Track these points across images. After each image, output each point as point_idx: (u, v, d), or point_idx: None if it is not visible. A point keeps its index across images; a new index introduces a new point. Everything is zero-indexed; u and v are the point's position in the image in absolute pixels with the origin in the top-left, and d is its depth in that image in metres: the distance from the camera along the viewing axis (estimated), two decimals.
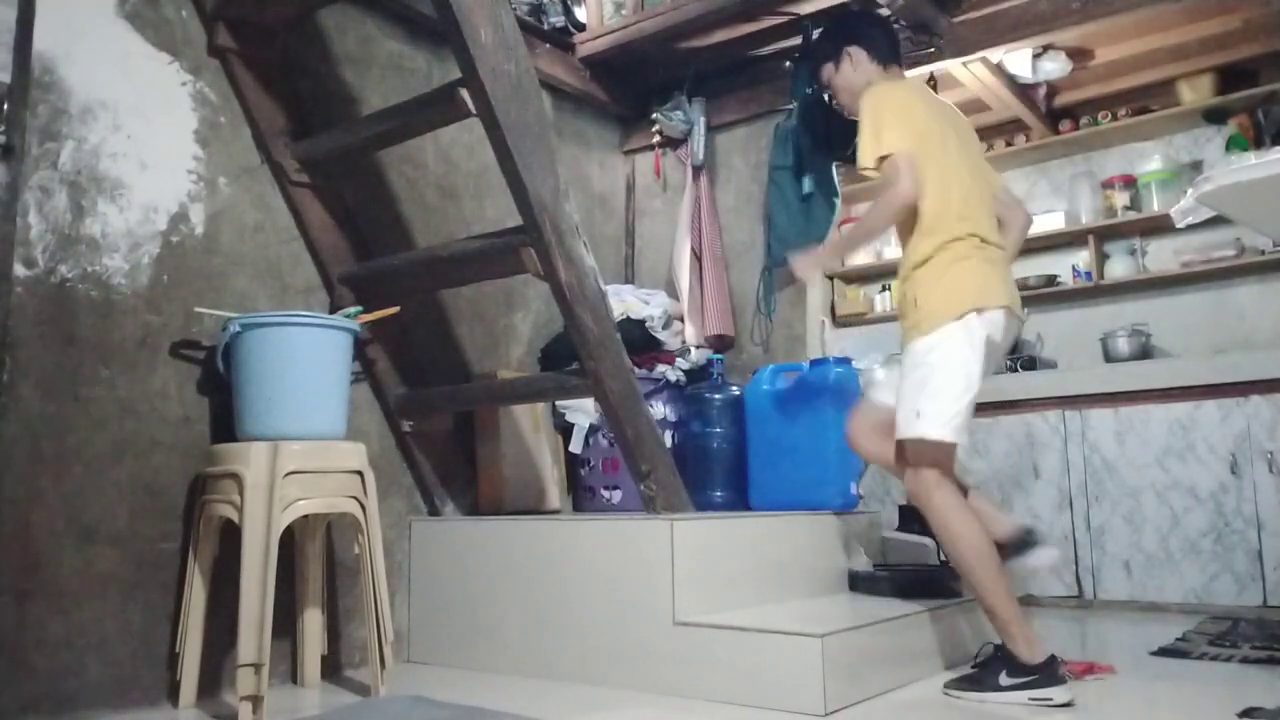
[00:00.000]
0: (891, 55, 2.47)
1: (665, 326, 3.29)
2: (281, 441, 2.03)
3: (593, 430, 3.12)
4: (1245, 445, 3.37)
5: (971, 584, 2.11)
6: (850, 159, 3.26)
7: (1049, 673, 2.00)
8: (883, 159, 2.19)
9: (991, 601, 2.07)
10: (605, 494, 3.10)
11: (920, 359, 2.14)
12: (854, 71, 2.44)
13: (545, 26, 3.42)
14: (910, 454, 2.16)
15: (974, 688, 2.07)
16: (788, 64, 3.41)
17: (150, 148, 2.25)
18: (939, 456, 2.13)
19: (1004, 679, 2.03)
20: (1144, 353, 3.97)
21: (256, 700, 1.91)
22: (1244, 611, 3.25)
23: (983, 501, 2.34)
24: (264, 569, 1.94)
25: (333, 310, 2.52)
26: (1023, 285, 4.34)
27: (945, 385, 2.10)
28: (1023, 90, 4.08)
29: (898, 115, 2.22)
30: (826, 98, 3.22)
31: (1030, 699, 1.99)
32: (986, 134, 4.53)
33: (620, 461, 2.90)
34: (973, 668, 2.14)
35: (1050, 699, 1.98)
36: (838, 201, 3.29)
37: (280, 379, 2.09)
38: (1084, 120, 4.27)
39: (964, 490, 2.27)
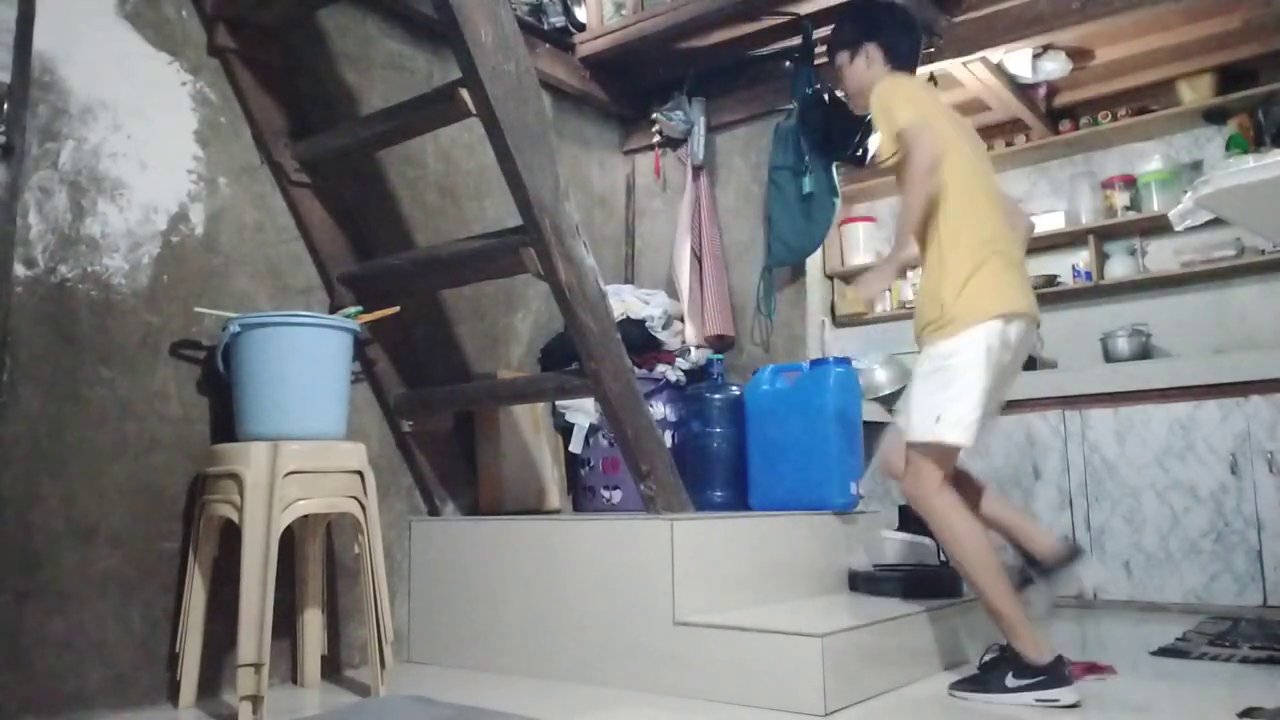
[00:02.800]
0: (908, 61, 2.43)
1: (665, 326, 3.29)
2: (281, 441, 2.03)
3: (593, 430, 3.12)
4: (1245, 445, 3.37)
5: (974, 586, 2.11)
6: (850, 159, 3.27)
7: (1056, 673, 1.99)
8: (898, 137, 2.15)
9: (995, 603, 2.06)
10: (605, 494, 3.10)
11: (942, 362, 2.12)
12: (866, 69, 2.40)
13: (545, 26, 3.42)
14: (918, 456, 2.14)
15: (980, 689, 2.06)
16: (788, 64, 3.41)
17: (150, 148, 2.25)
18: (945, 460, 2.13)
19: (1010, 680, 2.02)
20: (1144, 353, 3.97)
21: (256, 700, 1.91)
22: (1244, 611, 3.25)
23: (1021, 518, 2.32)
24: (264, 569, 1.94)
25: (333, 310, 2.52)
26: None
27: (967, 390, 2.08)
28: (1023, 90, 4.08)
29: (909, 100, 2.21)
30: (827, 97, 3.22)
31: (1037, 700, 1.98)
32: (986, 134, 4.53)
33: (620, 461, 2.90)
34: (979, 669, 2.13)
35: (1058, 700, 1.96)
36: (838, 201, 3.29)
37: (280, 379, 2.09)
38: (1084, 120, 4.27)
39: (978, 495, 2.26)
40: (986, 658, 2.15)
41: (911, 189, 2.12)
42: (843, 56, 2.46)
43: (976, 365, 2.09)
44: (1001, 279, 2.14)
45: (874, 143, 2.19)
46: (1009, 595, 2.07)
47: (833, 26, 2.54)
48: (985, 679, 2.07)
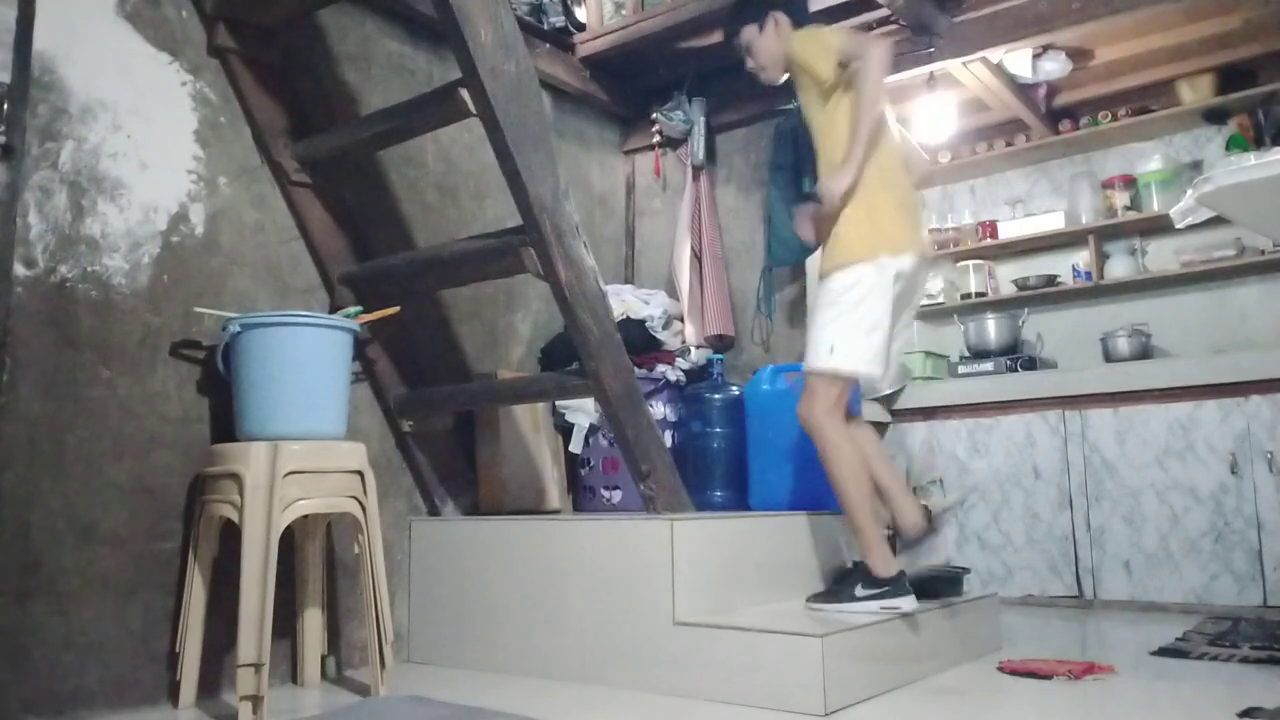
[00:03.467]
0: (807, 17, 2.60)
1: (665, 326, 3.29)
2: (281, 441, 2.03)
3: (593, 430, 3.12)
4: (1245, 445, 3.37)
5: (843, 502, 2.31)
6: None
7: (898, 585, 2.24)
8: (840, 64, 2.32)
9: (857, 520, 2.28)
10: (605, 494, 3.10)
11: (835, 296, 2.30)
12: (777, 36, 2.51)
13: (545, 26, 3.42)
14: (812, 382, 2.33)
15: (833, 599, 2.29)
16: None
17: (150, 148, 2.25)
18: (836, 387, 2.31)
19: (859, 591, 2.25)
20: (1144, 353, 3.97)
21: (256, 700, 1.91)
22: (1244, 611, 3.25)
23: (900, 487, 2.47)
24: (264, 569, 1.94)
25: (333, 310, 2.52)
26: (1023, 285, 4.36)
27: (858, 323, 2.27)
28: (1023, 90, 4.08)
29: (827, 29, 2.44)
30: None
31: (881, 608, 2.22)
32: (987, 134, 4.53)
33: (620, 461, 2.90)
34: (833, 583, 2.32)
35: (898, 608, 2.22)
36: None
37: (280, 379, 2.09)
38: (1084, 120, 4.26)
39: (871, 451, 2.43)
40: (838, 574, 2.36)
41: (871, 88, 2.26)
42: (751, 30, 2.55)
43: (868, 299, 2.27)
44: (894, 219, 2.31)
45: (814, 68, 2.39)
46: (870, 516, 2.29)
47: (733, 7, 2.68)
48: (838, 591, 2.31)
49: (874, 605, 2.22)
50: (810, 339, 2.36)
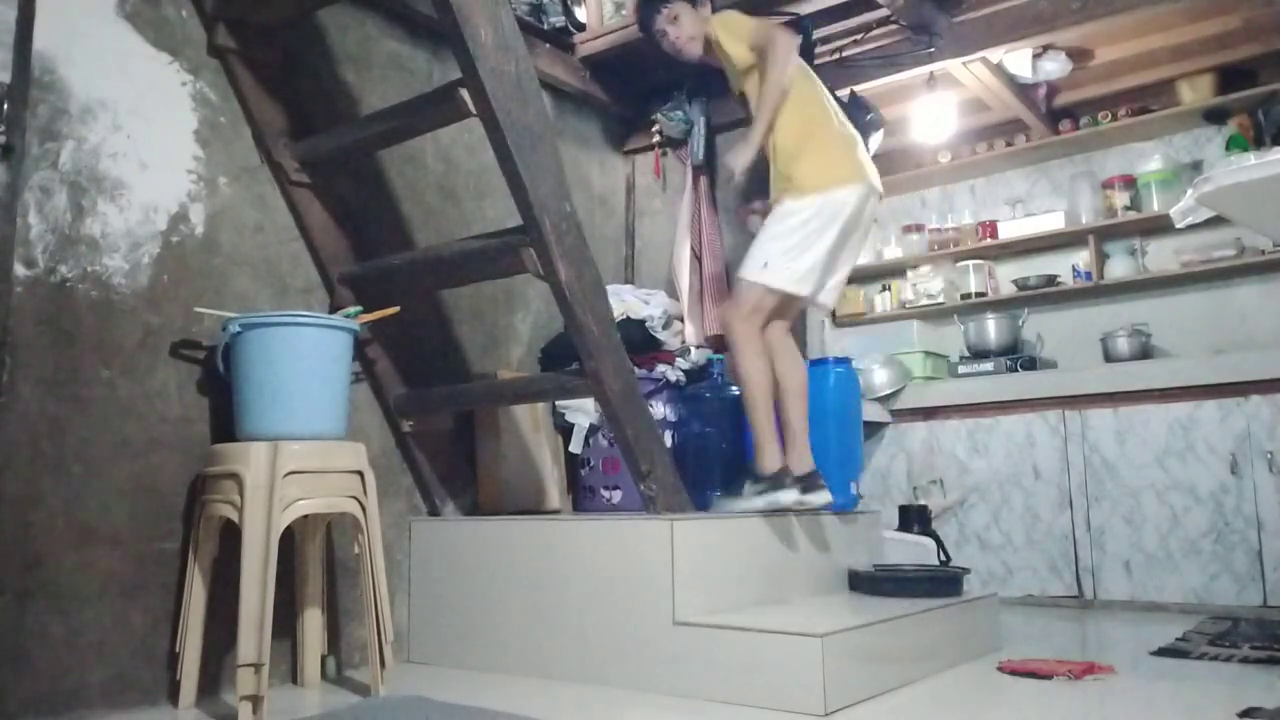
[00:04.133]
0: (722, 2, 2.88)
1: (665, 326, 3.29)
2: (281, 441, 2.03)
3: (593, 430, 3.12)
4: (1245, 445, 3.37)
5: (747, 405, 2.52)
6: None
7: (778, 480, 2.48)
8: (753, 47, 2.59)
9: (754, 420, 2.51)
10: (605, 494, 3.10)
11: (780, 219, 2.52)
12: (698, 16, 2.77)
13: (545, 26, 3.42)
14: (742, 289, 2.55)
15: (730, 496, 2.53)
16: None
17: (150, 148, 2.25)
18: (762, 303, 2.52)
19: (746, 488, 2.50)
20: (1144, 353, 3.97)
21: (256, 700, 1.91)
22: (1244, 611, 3.25)
23: (786, 431, 2.60)
24: (264, 569, 1.94)
25: (333, 310, 2.51)
26: (1023, 285, 4.36)
27: (793, 246, 2.48)
28: (1023, 90, 4.08)
29: (740, 17, 2.68)
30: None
31: (765, 503, 2.46)
32: (987, 134, 4.54)
33: (620, 461, 2.90)
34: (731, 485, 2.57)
35: (779, 501, 2.46)
36: None
37: (280, 379, 2.09)
38: (1084, 120, 4.27)
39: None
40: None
41: (776, 71, 2.51)
42: (679, 7, 2.77)
43: (808, 225, 2.49)
44: (836, 153, 2.55)
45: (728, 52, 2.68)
46: (767, 418, 2.50)
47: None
48: (732, 489, 2.55)
49: (760, 500, 2.47)
50: (750, 252, 2.57)
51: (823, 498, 2.51)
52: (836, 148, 2.57)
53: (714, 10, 2.80)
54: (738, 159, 2.54)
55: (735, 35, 2.64)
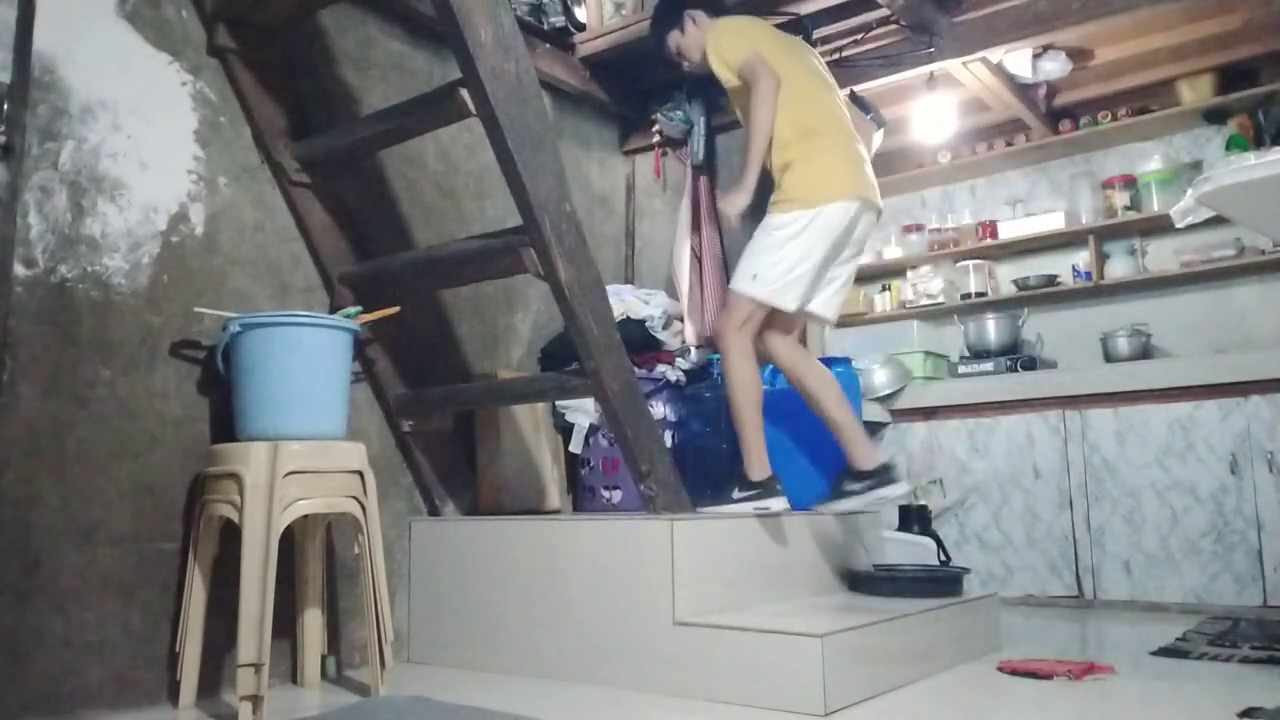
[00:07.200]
0: (721, 7, 2.85)
1: (665, 326, 3.29)
2: (281, 441, 2.03)
3: (593, 430, 3.12)
4: (1245, 445, 3.38)
5: (735, 414, 2.54)
6: None
7: (768, 487, 2.50)
8: (741, 75, 2.56)
9: (742, 429, 2.53)
10: (605, 494, 3.10)
11: (771, 230, 2.51)
12: (699, 31, 2.74)
13: (545, 26, 3.42)
14: (732, 300, 2.55)
15: (716, 502, 2.53)
16: None
17: (150, 148, 2.25)
18: (753, 314, 2.52)
19: (735, 494, 2.51)
20: (1144, 353, 3.97)
21: (256, 700, 1.91)
22: (1244, 611, 3.25)
23: (850, 424, 2.61)
24: (264, 569, 1.94)
25: (333, 310, 2.51)
26: (1023, 285, 4.36)
27: (782, 259, 2.48)
28: (1023, 90, 4.08)
29: (732, 36, 2.64)
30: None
31: (754, 508, 2.47)
32: (987, 134, 4.54)
33: (620, 461, 2.90)
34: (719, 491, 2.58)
35: (769, 508, 2.47)
36: None
37: (280, 379, 2.09)
38: (1084, 120, 4.27)
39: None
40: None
41: (762, 111, 2.50)
42: (674, 36, 2.80)
43: (798, 239, 2.48)
44: (834, 167, 2.52)
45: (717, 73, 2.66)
46: (757, 428, 2.52)
47: (653, 17, 2.91)
48: (720, 495, 2.55)
49: (748, 506, 2.48)
50: (740, 262, 2.57)
51: (899, 489, 2.55)
52: (831, 159, 2.54)
53: (717, 13, 2.78)
54: (733, 205, 2.53)
55: (725, 62, 2.61)
